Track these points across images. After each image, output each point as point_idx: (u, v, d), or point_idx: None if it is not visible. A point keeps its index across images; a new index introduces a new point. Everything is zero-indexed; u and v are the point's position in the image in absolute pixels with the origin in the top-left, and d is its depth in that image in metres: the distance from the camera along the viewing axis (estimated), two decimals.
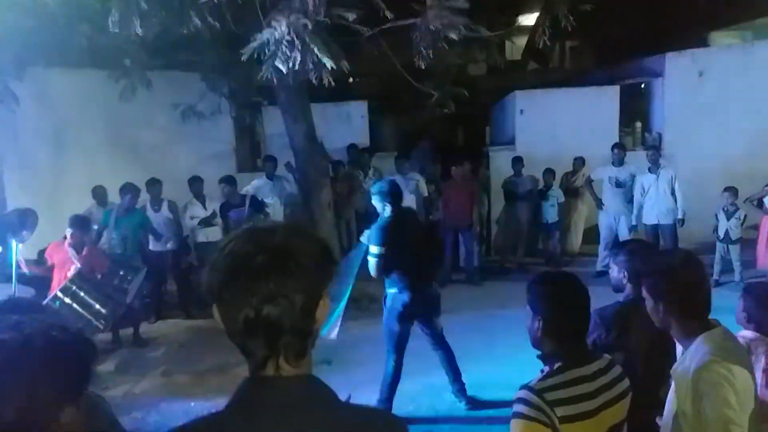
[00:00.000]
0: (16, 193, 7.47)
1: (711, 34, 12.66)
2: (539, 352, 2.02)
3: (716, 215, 7.55)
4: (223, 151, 8.88)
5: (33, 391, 1.06)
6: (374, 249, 4.32)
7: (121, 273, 5.78)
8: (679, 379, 1.94)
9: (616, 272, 2.82)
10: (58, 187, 7.69)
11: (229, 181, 7.34)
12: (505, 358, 5.56)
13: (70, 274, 5.24)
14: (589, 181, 8.48)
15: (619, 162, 8.14)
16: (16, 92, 6.67)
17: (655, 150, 7.98)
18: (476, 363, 5.50)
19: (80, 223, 5.60)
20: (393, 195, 4.47)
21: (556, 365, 1.91)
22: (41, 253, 6.50)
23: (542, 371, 1.96)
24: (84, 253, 5.56)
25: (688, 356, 1.93)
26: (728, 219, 7.35)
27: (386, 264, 4.34)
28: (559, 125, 9.41)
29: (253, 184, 8.04)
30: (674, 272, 2.00)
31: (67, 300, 4.96)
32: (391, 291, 4.49)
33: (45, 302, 4.93)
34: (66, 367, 1.12)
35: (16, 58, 6.32)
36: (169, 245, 7.27)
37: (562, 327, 1.95)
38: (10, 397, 1.03)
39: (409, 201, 8.51)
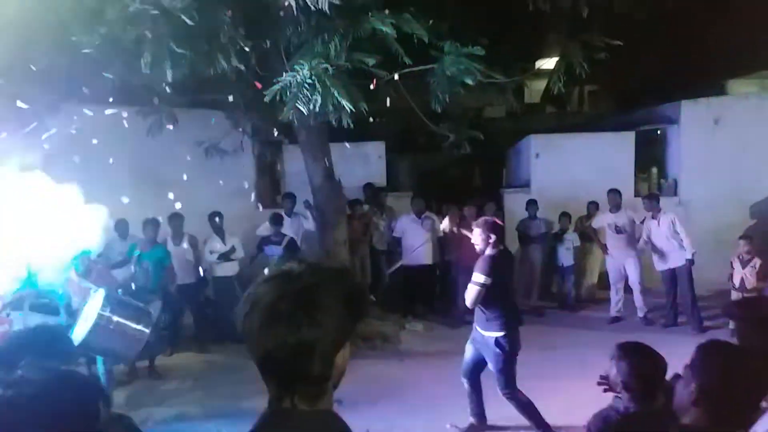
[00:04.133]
0: None
1: (729, 82, 12.73)
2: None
3: (731, 263, 7.51)
4: (244, 187, 9.08)
5: None
6: (480, 278, 4.53)
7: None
8: None
9: (613, 375, 2.57)
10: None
11: (276, 220, 7.72)
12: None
13: (99, 298, 5.30)
14: (593, 230, 8.57)
15: (616, 208, 8.20)
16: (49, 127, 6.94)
17: (650, 198, 8.11)
18: (490, 404, 5.47)
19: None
20: (498, 229, 4.81)
21: None
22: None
23: None
24: (94, 276, 5.71)
25: None
26: (743, 267, 7.30)
27: (486, 296, 4.58)
28: (574, 169, 9.48)
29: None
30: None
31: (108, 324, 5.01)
32: (497, 335, 4.63)
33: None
34: (72, 418, 1.14)
35: (53, 95, 6.61)
36: (188, 279, 7.42)
37: (733, 407, 1.78)
38: None
39: (425, 240, 8.60)
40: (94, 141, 7.33)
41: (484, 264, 4.59)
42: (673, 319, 7.82)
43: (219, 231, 7.75)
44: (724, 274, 7.68)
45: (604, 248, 8.36)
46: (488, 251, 4.64)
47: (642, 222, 8.10)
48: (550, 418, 4.92)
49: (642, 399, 2.46)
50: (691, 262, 7.64)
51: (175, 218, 7.46)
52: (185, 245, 7.51)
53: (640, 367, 2.47)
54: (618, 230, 8.17)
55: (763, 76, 12.41)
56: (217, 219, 7.74)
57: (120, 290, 5.78)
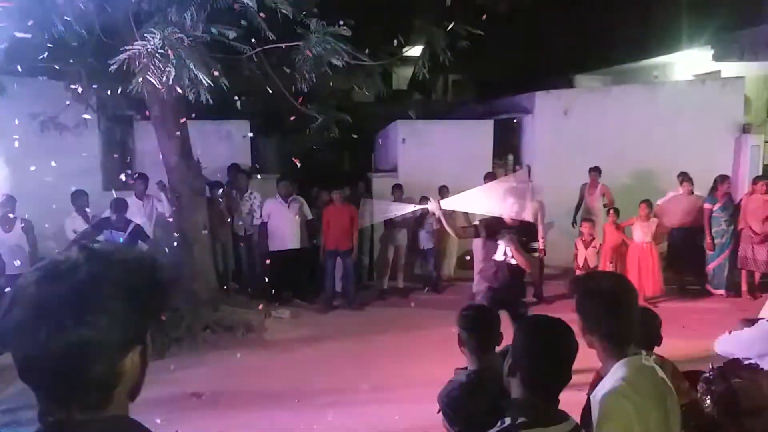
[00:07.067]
0: None
1: (576, 77, 13.82)
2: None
3: (576, 244, 8.12)
4: (89, 166, 8.23)
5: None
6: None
7: None
8: (594, 404, 1.90)
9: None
10: None
11: (118, 207, 6.99)
12: (383, 386, 5.57)
13: None
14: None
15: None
16: None
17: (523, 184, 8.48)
18: (354, 390, 5.47)
19: None
20: None
21: (519, 420, 1.80)
22: None
23: (502, 421, 1.83)
24: None
25: (606, 381, 1.90)
26: (586, 248, 7.93)
27: None
28: (438, 155, 9.73)
29: None
30: (599, 292, 1.97)
31: None
32: None
33: None
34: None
35: None
36: (22, 268, 6.59)
37: (541, 377, 1.85)
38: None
39: (292, 224, 8.39)
40: None
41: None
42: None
43: (82, 210, 7.21)
44: (571, 254, 8.30)
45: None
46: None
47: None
48: (418, 392, 5.00)
49: (478, 353, 2.69)
50: (543, 251, 8.17)
51: (6, 200, 6.59)
52: (18, 230, 6.66)
53: (471, 321, 2.74)
54: None
55: (605, 72, 13.60)
56: (81, 198, 7.25)
57: None
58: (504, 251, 5.18)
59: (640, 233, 8.09)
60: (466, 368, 2.75)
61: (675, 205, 8.66)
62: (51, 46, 5.63)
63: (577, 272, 7.98)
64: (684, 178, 8.61)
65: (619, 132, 10.04)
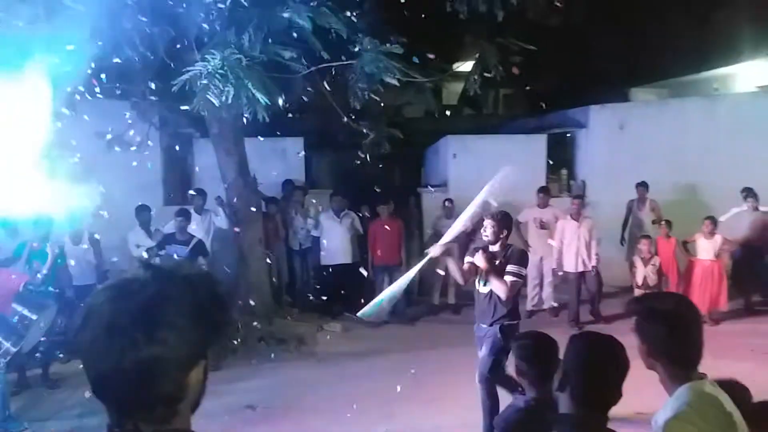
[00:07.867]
0: None
1: (631, 90, 13.51)
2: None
3: (633, 262, 7.88)
4: (151, 182, 8.58)
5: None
6: (522, 271, 4.60)
7: (21, 311, 5.33)
8: (656, 429, 1.84)
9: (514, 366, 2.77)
10: None
11: (184, 215, 7.20)
12: (434, 401, 5.54)
13: None
14: (517, 223, 8.70)
15: (544, 205, 8.46)
16: None
17: (580, 199, 8.32)
18: (405, 404, 5.45)
19: None
20: (512, 224, 5.00)
21: None
22: None
23: None
24: None
25: (669, 405, 1.83)
26: (645, 266, 7.69)
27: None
28: (489, 170, 9.54)
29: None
30: (661, 314, 1.90)
31: None
32: (510, 323, 4.59)
33: None
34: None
35: None
36: (88, 280, 6.91)
37: (591, 393, 1.86)
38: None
39: (344, 239, 8.48)
40: None
41: (523, 257, 4.67)
42: (578, 316, 8.03)
43: (145, 225, 7.49)
44: (628, 272, 8.06)
45: (525, 243, 8.50)
46: (500, 245, 4.68)
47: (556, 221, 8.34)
48: (467, 408, 4.95)
49: (537, 384, 2.62)
50: (594, 270, 7.96)
51: (74, 216, 6.93)
52: (85, 245, 6.99)
53: (529, 351, 2.67)
54: (542, 226, 8.39)
55: (662, 85, 13.25)
56: (144, 212, 7.52)
57: None
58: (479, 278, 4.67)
59: (704, 250, 7.80)
60: (524, 393, 2.71)
61: (739, 221, 8.31)
62: (118, 67, 5.94)
63: (637, 291, 7.74)
64: (748, 193, 8.27)
65: (677, 147, 9.74)
